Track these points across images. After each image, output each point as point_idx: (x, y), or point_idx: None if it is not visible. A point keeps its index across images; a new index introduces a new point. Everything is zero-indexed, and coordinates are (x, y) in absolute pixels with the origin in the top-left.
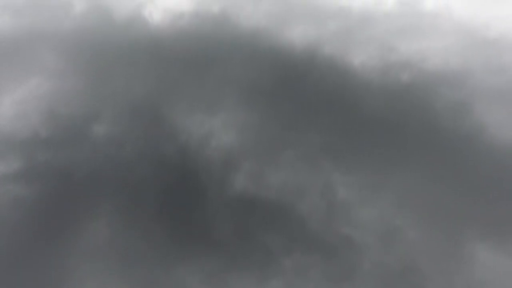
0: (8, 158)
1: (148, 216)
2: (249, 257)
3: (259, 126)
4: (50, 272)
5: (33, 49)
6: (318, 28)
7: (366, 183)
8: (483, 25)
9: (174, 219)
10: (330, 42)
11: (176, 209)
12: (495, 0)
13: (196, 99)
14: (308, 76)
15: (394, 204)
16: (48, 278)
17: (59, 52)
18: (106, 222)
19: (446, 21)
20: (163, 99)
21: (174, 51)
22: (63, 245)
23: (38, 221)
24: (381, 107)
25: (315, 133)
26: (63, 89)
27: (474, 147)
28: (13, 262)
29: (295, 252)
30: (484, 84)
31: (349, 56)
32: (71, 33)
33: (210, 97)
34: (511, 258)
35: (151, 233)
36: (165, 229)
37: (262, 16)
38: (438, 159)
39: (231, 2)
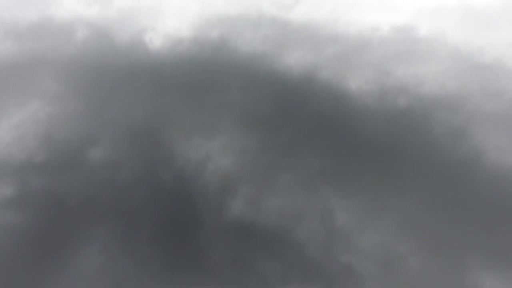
0: (1, 184)
1: (143, 242)
2: (246, 286)
3: (256, 151)
4: None
5: (34, 74)
6: (315, 54)
7: (366, 208)
8: (478, 50)
9: (169, 245)
10: (327, 67)
11: (172, 235)
12: (488, 26)
13: (194, 123)
14: (306, 100)
15: (395, 230)
16: None
17: (59, 76)
18: (100, 249)
19: (441, 46)
20: (161, 123)
21: (173, 76)
22: (56, 272)
23: (30, 248)
24: (379, 131)
25: (313, 158)
26: (61, 113)
27: (474, 173)
28: None
29: (293, 281)
30: (481, 108)
31: (346, 80)
32: (72, 58)
33: (208, 122)
34: None
35: (146, 260)
36: (159, 256)
37: (260, 41)
38: (438, 184)
39: (230, 28)
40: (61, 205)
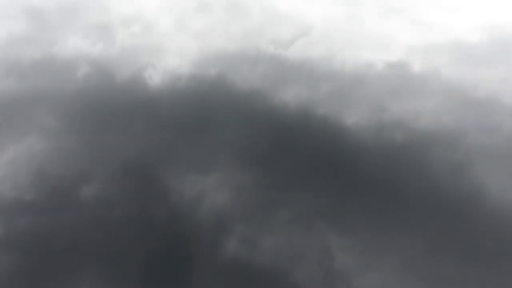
0: None
1: (134, 283)
2: None
3: (252, 188)
4: None
5: (33, 110)
6: (312, 90)
7: (365, 247)
8: (471, 86)
9: (162, 286)
10: (323, 103)
11: (164, 275)
12: (479, 63)
13: (189, 160)
14: (303, 137)
15: (396, 270)
16: None
17: (58, 112)
18: None
19: (435, 82)
20: (156, 160)
21: (171, 112)
22: None
23: None
24: (378, 168)
25: (311, 195)
26: (56, 149)
27: (475, 210)
28: None
29: None
30: (479, 144)
31: (342, 116)
32: (72, 94)
33: (204, 158)
34: None
35: None
36: None
37: (258, 78)
38: (439, 223)
39: (228, 65)
40: (49, 245)
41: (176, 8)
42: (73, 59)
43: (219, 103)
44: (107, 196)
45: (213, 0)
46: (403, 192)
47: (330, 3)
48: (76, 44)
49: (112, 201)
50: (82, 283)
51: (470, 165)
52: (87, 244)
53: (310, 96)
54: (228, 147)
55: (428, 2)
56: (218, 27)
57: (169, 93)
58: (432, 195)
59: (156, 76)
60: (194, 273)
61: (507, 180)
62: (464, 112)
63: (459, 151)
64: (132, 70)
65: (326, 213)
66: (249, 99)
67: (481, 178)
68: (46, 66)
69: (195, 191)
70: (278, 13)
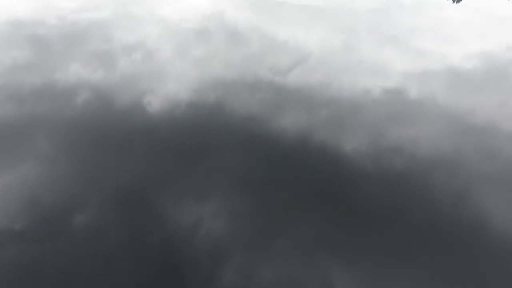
0: None
1: None
2: None
3: (250, 216)
4: None
5: (29, 136)
6: (310, 116)
7: (366, 277)
8: (469, 113)
9: None
10: (322, 129)
11: None
12: (475, 89)
13: (186, 187)
14: (301, 163)
15: None
16: None
17: (55, 139)
18: None
19: (432, 108)
20: (152, 186)
21: (168, 138)
22: None
23: None
24: (377, 195)
25: (310, 223)
26: (50, 177)
27: (478, 240)
28: None
29: None
30: (480, 171)
31: (341, 142)
32: (70, 120)
33: (201, 185)
34: None
35: None
36: None
37: (256, 104)
38: (441, 252)
39: (227, 92)
40: (39, 276)
41: (177, 36)
42: (73, 86)
43: (217, 129)
44: (100, 224)
45: (213, 28)
46: (404, 221)
47: (327, 32)
48: (77, 71)
49: (105, 229)
50: None
51: (471, 193)
52: (78, 274)
53: (308, 122)
54: (225, 174)
55: (423, 31)
56: (218, 54)
57: (167, 119)
58: (434, 223)
59: (155, 102)
60: None
61: (510, 208)
62: (463, 139)
63: (459, 178)
64: (132, 97)
65: (326, 242)
66: (247, 125)
67: (483, 206)
68: (46, 93)
69: (191, 218)
70: (277, 41)
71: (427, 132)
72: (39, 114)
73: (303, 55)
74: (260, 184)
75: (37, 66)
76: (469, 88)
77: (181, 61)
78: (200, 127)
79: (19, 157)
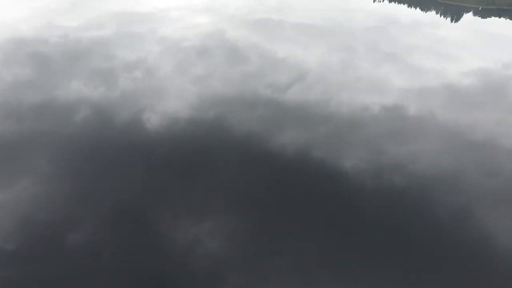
0: None
1: None
2: None
3: (249, 234)
4: None
5: (28, 153)
6: (309, 133)
7: None
8: (468, 129)
9: None
10: (321, 146)
11: None
12: (473, 106)
13: (183, 205)
14: (300, 181)
15: None
16: None
17: (52, 156)
18: None
19: (431, 125)
20: (149, 205)
21: (166, 155)
22: None
23: None
24: (378, 213)
25: (309, 241)
26: (47, 195)
27: (482, 258)
28: None
29: None
30: (481, 188)
31: (340, 159)
32: (69, 137)
33: (199, 203)
34: None
35: None
36: None
37: (255, 121)
38: (443, 271)
39: (226, 108)
40: None
41: (177, 54)
42: (73, 103)
43: (216, 146)
44: (96, 243)
45: (213, 46)
46: (406, 239)
47: (326, 49)
48: (77, 88)
49: (101, 249)
50: None
51: (473, 211)
52: None
53: (307, 139)
54: (223, 192)
55: (420, 49)
56: (217, 72)
57: (166, 136)
58: (436, 242)
59: (154, 119)
60: None
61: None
62: (463, 155)
63: (461, 196)
64: (131, 114)
65: (326, 261)
66: (246, 142)
67: (486, 224)
68: (45, 110)
69: (188, 237)
70: (276, 58)
71: (426, 149)
72: (37, 131)
73: (302, 73)
74: (259, 202)
75: (37, 83)
76: (467, 105)
77: (181, 79)
78: (198, 144)
79: (15, 174)
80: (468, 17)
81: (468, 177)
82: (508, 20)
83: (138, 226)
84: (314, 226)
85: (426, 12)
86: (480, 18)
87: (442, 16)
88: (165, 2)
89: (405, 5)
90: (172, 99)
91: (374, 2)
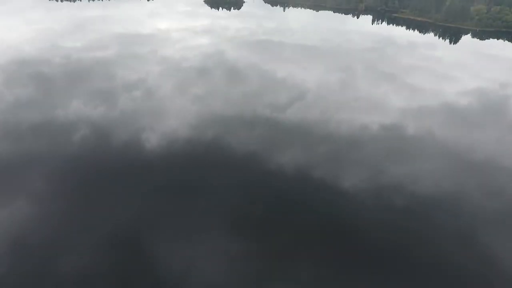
0: None
1: None
2: None
3: (247, 257)
4: None
5: (23, 174)
6: (308, 153)
7: None
8: (468, 149)
9: None
10: (320, 166)
11: None
12: (472, 125)
13: (180, 227)
14: (300, 201)
15: None
16: None
17: (48, 177)
18: None
19: (430, 144)
20: (145, 228)
21: (164, 175)
22: None
23: None
24: (379, 235)
25: (309, 264)
26: (41, 216)
27: (484, 283)
28: None
29: None
30: (482, 209)
31: (340, 179)
32: (67, 158)
33: (196, 225)
34: None
35: None
36: None
37: (254, 141)
38: None
39: (225, 128)
40: None
41: (177, 74)
42: (72, 123)
43: (214, 167)
44: (89, 268)
45: (213, 66)
46: (407, 264)
47: (324, 70)
48: (77, 108)
49: (94, 274)
50: None
51: (476, 233)
52: None
53: (306, 159)
54: (221, 214)
55: (417, 69)
56: (217, 92)
57: (164, 157)
58: (438, 266)
59: (153, 138)
60: None
61: None
62: (463, 175)
63: (463, 217)
64: (130, 133)
65: (326, 283)
66: (245, 162)
67: (490, 247)
68: (43, 130)
69: (184, 262)
70: (275, 79)
71: (426, 169)
72: (34, 152)
73: (301, 92)
74: (257, 224)
75: (37, 103)
76: (466, 125)
77: (180, 98)
78: (196, 165)
79: (9, 195)
80: (466, 38)
81: (470, 198)
82: (506, 41)
83: (133, 251)
84: (312, 248)
85: (424, 34)
86: (478, 39)
87: (441, 38)
88: (167, 24)
89: (403, 27)
90: (171, 118)
91: (372, 24)
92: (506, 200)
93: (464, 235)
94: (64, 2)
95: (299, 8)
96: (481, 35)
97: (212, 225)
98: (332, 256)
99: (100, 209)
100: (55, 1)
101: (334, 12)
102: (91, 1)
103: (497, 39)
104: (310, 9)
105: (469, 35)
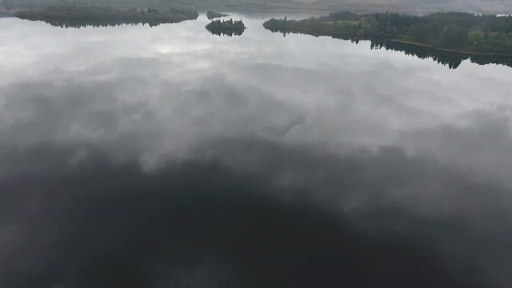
0: None
1: None
2: None
3: (244, 285)
4: None
5: (16, 198)
6: (307, 176)
7: None
8: (469, 171)
9: None
10: (319, 189)
11: None
12: (472, 147)
13: (176, 253)
14: (299, 226)
15: None
16: None
17: (42, 201)
18: None
19: (431, 166)
20: (140, 254)
21: (160, 201)
22: None
23: None
24: (381, 264)
25: None
26: (32, 241)
27: None
28: None
29: None
30: (487, 233)
31: (340, 203)
32: (61, 182)
33: (192, 251)
34: None
35: None
36: None
37: (253, 164)
38: None
39: (224, 150)
40: None
41: (177, 97)
42: (70, 145)
43: (212, 191)
44: None
45: (213, 90)
46: None
47: (323, 93)
48: (76, 131)
49: None
50: None
51: (482, 260)
52: None
53: (305, 182)
54: (218, 239)
55: (414, 92)
56: (217, 114)
57: (161, 180)
58: None
59: (151, 161)
60: None
61: None
62: (465, 199)
63: (467, 244)
64: (129, 156)
65: None
66: (243, 187)
67: (497, 274)
68: (40, 153)
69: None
70: (274, 101)
71: (428, 192)
72: (30, 175)
73: (300, 115)
74: (255, 251)
75: (37, 126)
76: (466, 147)
77: (180, 121)
78: (194, 189)
79: (4, 219)
80: (466, 63)
81: (474, 223)
82: (506, 66)
83: (126, 279)
84: (312, 277)
85: (423, 58)
86: (478, 64)
87: (440, 62)
88: (169, 48)
89: (403, 52)
90: (169, 141)
91: (371, 49)
92: (510, 224)
93: (470, 262)
94: (69, 28)
95: (299, 33)
96: (481, 59)
97: (208, 251)
98: (331, 285)
99: (93, 235)
100: (60, 27)
101: (333, 37)
102: (95, 27)
103: (497, 64)
104: (310, 34)
105: (468, 60)
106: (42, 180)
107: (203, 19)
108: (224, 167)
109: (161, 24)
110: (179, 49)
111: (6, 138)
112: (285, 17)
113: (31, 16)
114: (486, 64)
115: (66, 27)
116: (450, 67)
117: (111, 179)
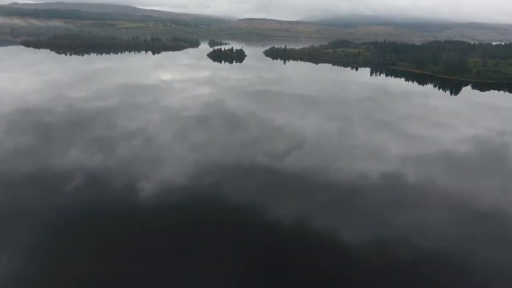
0: None
1: None
2: None
3: None
4: None
5: (9, 226)
6: (307, 202)
7: None
8: (471, 197)
9: None
10: (319, 216)
11: None
12: (473, 173)
13: (175, 283)
14: (298, 256)
15: None
16: None
17: (36, 229)
18: None
19: (432, 193)
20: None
21: (157, 228)
22: None
23: None
24: None
25: None
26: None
27: None
28: None
29: None
30: (494, 264)
31: (340, 231)
32: (58, 209)
33: (189, 281)
34: None
35: None
36: None
37: (251, 190)
38: None
39: (222, 176)
40: None
41: (177, 123)
42: (67, 171)
43: (210, 218)
44: None
45: (213, 115)
46: None
47: (322, 118)
48: (74, 157)
49: None
50: None
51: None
52: None
53: (305, 209)
54: (216, 268)
55: (413, 117)
56: (216, 140)
57: (159, 207)
58: None
59: (148, 187)
60: None
61: None
62: (469, 226)
63: (474, 274)
64: (126, 182)
65: None
66: (241, 213)
67: None
68: (36, 180)
69: None
70: (273, 127)
71: (430, 219)
72: (23, 203)
73: (299, 141)
74: (254, 281)
75: (35, 152)
76: (467, 172)
77: (179, 147)
78: (192, 215)
79: None
80: (466, 90)
81: (479, 252)
82: (507, 92)
83: None
84: None
85: (423, 85)
86: (478, 91)
87: (441, 89)
88: (170, 75)
89: (402, 79)
90: (168, 167)
91: (371, 76)
92: None
93: None
94: (73, 56)
95: (299, 61)
96: (481, 86)
97: (205, 280)
98: None
99: (86, 269)
100: (65, 55)
101: (333, 65)
102: (99, 55)
103: (498, 90)
104: (310, 62)
105: (469, 87)
106: (35, 209)
107: (205, 47)
108: (222, 193)
109: (163, 52)
110: (180, 76)
111: (3, 163)
112: (285, 45)
113: (36, 44)
114: (487, 91)
115: (70, 55)
116: (451, 94)
117: (107, 207)
